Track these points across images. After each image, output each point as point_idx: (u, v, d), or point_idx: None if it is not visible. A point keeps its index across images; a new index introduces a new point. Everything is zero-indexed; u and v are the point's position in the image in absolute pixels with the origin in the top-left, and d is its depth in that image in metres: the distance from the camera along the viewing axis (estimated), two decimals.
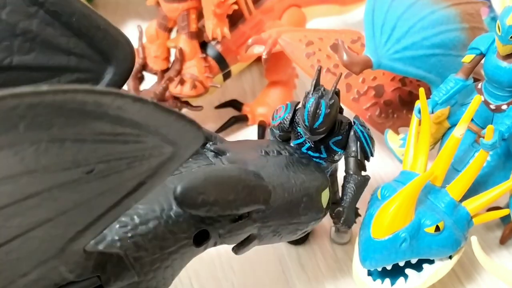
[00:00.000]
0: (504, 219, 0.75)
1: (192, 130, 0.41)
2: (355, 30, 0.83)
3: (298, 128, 0.65)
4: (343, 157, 0.67)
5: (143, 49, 0.87)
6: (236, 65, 0.89)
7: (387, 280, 0.65)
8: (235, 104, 0.93)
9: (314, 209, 0.63)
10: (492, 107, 0.68)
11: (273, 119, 0.67)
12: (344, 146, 0.65)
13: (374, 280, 0.65)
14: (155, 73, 0.87)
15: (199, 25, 0.86)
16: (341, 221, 0.64)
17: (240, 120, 0.91)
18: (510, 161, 0.70)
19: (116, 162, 0.39)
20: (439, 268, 0.66)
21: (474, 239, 0.64)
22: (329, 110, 0.60)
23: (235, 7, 0.84)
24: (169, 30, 0.88)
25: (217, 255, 0.75)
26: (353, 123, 0.66)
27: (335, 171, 0.69)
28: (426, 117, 0.67)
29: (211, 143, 0.62)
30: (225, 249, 0.75)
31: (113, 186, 0.41)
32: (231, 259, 0.75)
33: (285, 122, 0.65)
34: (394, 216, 0.62)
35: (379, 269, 0.65)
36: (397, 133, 0.79)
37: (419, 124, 0.69)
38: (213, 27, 0.82)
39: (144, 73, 0.87)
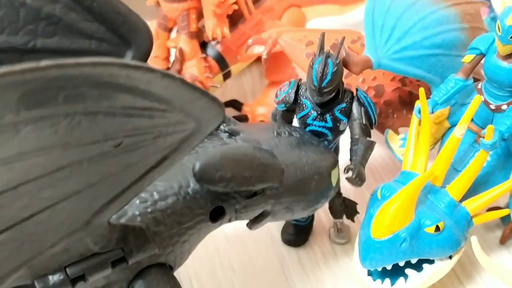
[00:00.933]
0: (504, 219, 0.75)
1: (214, 107, 0.42)
2: (355, 30, 0.83)
3: (303, 99, 0.67)
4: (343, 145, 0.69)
5: None
6: (236, 65, 0.89)
7: (387, 280, 0.65)
8: (235, 104, 0.93)
9: (324, 187, 0.65)
10: (492, 107, 0.68)
11: (276, 96, 0.69)
12: (348, 114, 0.68)
13: (374, 280, 0.65)
14: None
15: (199, 25, 0.86)
16: (354, 176, 0.64)
17: (240, 120, 0.91)
18: (510, 161, 0.70)
19: (143, 136, 0.41)
20: (439, 268, 0.66)
21: (474, 239, 0.64)
22: (336, 68, 0.63)
23: (235, 7, 0.84)
24: (169, 30, 0.88)
25: (217, 255, 0.75)
26: (356, 91, 0.68)
27: (337, 154, 0.71)
28: (426, 117, 0.67)
29: (224, 124, 0.64)
30: (225, 249, 0.76)
31: (138, 160, 0.43)
32: (231, 259, 0.75)
33: (289, 96, 0.68)
34: (394, 216, 0.62)
35: (379, 269, 0.65)
36: (397, 133, 0.79)
37: (419, 124, 0.69)
38: (213, 27, 0.82)
39: None
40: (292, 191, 0.62)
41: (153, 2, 0.86)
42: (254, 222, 0.62)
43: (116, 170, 0.43)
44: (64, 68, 0.33)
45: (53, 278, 0.50)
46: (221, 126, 0.63)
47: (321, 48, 0.64)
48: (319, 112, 0.67)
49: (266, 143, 0.62)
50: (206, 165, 0.54)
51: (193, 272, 0.74)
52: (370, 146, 0.67)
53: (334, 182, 0.66)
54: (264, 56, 0.81)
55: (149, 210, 0.56)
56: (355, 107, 0.67)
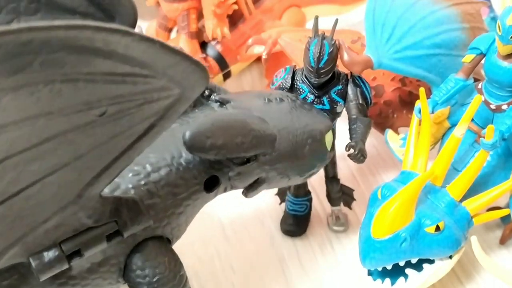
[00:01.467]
0: (504, 219, 0.75)
1: (197, 71, 0.42)
2: (355, 30, 0.83)
3: (300, 84, 0.68)
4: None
5: None
6: (236, 65, 0.89)
7: (387, 280, 0.65)
8: None
9: (318, 150, 0.65)
10: (492, 107, 0.68)
11: (273, 83, 0.70)
12: (344, 96, 0.69)
13: (374, 279, 0.65)
14: None
15: (199, 25, 0.86)
16: (356, 152, 0.65)
17: None
18: (511, 161, 0.70)
19: (127, 103, 0.41)
20: (439, 268, 0.66)
21: (474, 239, 0.64)
22: (332, 48, 0.65)
23: (235, 7, 0.84)
24: (169, 30, 0.88)
25: (217, 255, 0.75)
26: (350, 74, 0.69)
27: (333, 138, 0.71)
28: (426, 117, 0.67)
29: (215, 94, 0.63)
30: (225, 249, 0.76)
31: (125, 128, 0.43)
32: (231, 259, 0.75)
33: (286, 81, 0.69)
34: (395, 216, 0.62)
35: (379, 268, 0.65)
36: (397, 133, 0.79)
37: (419, 124, 0.69)
38: (213, 27, 0.82)
39: None
40: (285, 156, 0.62)
41: (153, 2, 0.86)
42: (249, 190, 0.62)
43: (103, 140, 0.43)
44: (36, 31, 0.33)
45: (48, 255, 0.49)
46: (212, 96, 0.63)
47: (316, 30, 0.65)
48: (316, 95, 0.68)
49: (257, 110, 0.62)
50: (196, 133, 0.54)
51: (193, 272, 0.74)
52: (369, 124, 0.68)
53: (328, 146, 0.66)
54: (264, 56, 0.81)
55: (142, 182, 0.55)
56: (350, 88, 0.69)
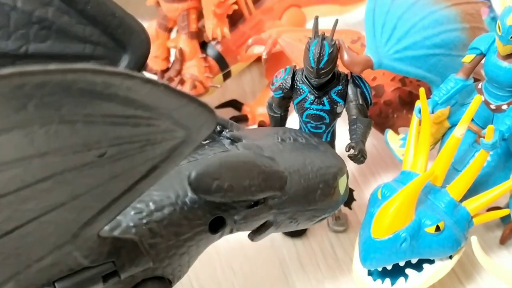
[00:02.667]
0: (504, 219, 0.75)
1: (204, 113, 0.40)
2: (355, 30, 0.83)
3: (300, 84, 0.68)
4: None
5: None
6: (236, 65, 0.89)
7: (387, 280, 0.65)
8: (235, 104, 0.93)
9: (331, 195, 0.63)
10: (493, 107, 0.68)
11: (272, 84, 0.70)
12: (344, 97, 0.68)
13: (374, 280, 0.65)
14: (155, 73, 0.87)
15: (199, 25, 0.86)
16: (356, 153, 0.64)
17: (240, 120, 0.91)
18: (511, 161, 0.70)
19: (128, 145, 0.40)
20: (439, 268, 0.66)
21: (474, 239, 0.64)
22: (332, 49, 0.64)
23: (235, 7, 0.84)
24: (169, 30, 0.88)
25: (217, 255, 0.75)
26: (350, 74, 0.69)
27: (333, 139, 0.72)
28: (426, 117, 0.67)
29: (227, 130, 0.62)
30: (225, 249, 0.76)
31: (125, 170, 0.42)
32: (231, 259, 0.75)
33: (286, 82, 0.69)
34: (395, 216, 0.62)
35: (379, 269, 0.65)
36: (397, 133, 0.79)
37: (419, 124, 0.69)
38: (213, 27, 0.82)
39: (144, 73, 0.87)
40: (296, 201, 0.60)
41: (153, 2, 0.86)
42: (256, 233, 0.60)
43: (103, 181, 0.41)
44: (28, 76, 0.32)
45: None
46: (223, 132, 0.62)
47: (316, 31, 0.65)
48: (316, 96, 0.68)
49: (269, 150, 0.60)
50: (202, 174, 0.52)
51: (193, 273, 0.73)
52: (369, 124, 0.68)
53: (342, 191, 0.64)
54: (264, 56, 0.81)
55: (145, 221, 0.53)
56: (350, 88, 0.68)
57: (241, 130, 0.63)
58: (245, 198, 0.55)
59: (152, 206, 0.54)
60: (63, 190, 0.40)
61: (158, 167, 0.43)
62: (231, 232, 0.58)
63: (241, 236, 0.77)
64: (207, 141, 0.61)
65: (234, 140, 0.61)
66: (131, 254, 0.51)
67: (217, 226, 0.57)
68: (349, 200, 0.77)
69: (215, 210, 0.56)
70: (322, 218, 0.64)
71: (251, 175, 0.55)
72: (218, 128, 0.62)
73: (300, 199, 0.60)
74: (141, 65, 0.57)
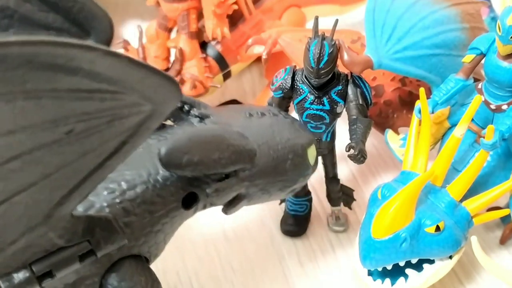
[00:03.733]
0: (504, 219, 0.75)
1: (168, 86, 0.40)
2: (355, 30, 0.83)
3: (300, 84, 0.68)
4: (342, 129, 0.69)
5: (143, 49, 0.87)
6: (236, 65, 0.89)
7: (387, 280, 0.65)
8: (235, 104, 0.93)
9: (300, 165, 0.63)
10: (493, 107, 0.68)
11: (272, 84, 0.70)
12: (344, 97, 0.69)
13: (375, 280, 0.65)
14: None
15: (199, 25, 0.86)
16: (356, 153, 0.64)
17: None
18: (510, 161, 0.70)
19: (95, 120, 0.39)
20: (439, 268, 0.66)
21: (474, 239, 0.64)
22: (332, 49, 0.64)
23: (235, 7, 0.84)
24: (169, 30, 0.88)
25: (217, 255, 0.75)
26: (350, 74, 0.69)
27: (333, 139, 0.72)
28: (426, 117, 0.67)
29: (195, 109, 0.62)
30: (225, 249, 0.76)
31: (94, 146, 0.41)
32: (231, 259, 0.75)
33: (286, 82, 0.69)
34: (395, 216, 0.62)
35: (380, 269, 0.65)
36: (397, 133, 0.79)
37: (419, 124, 0.69)
38: (213, 27, 0.82)
39: None
40: (266, 172, 0.60)
41: (153, 2, 0.86)
42: (229, 206, 0.60)
43: (72, 158, 0.41)
44: None
45: (18, 276, 0.48)
46: (191, 111, 0.62)
47: (316, 31, 0.65)
48: (316, 96, 0.68)
49: (237, 125, 0.60)
50: (172, 149, 0.52)
51: (193, 272, 0.74)
52: (369, 124, 0.68)
53: (311, 161, 0.65)
54: (264, 56, 0.81)
55: (118, 200, 0.54)
56: (350, 88, 0.68)
57: (209, 108, 0.64)
58: (216, 171, 0.56)
59: (124, 185, 0.54)
60: (32, 170, 0.40)
61: (127, 142, 0.43)
62: (204, 207, 0.59)
63: (242, 235, 0.77)
64: (176, 121, 0.62)
65: (202, 118, 0.61)
66: (105, 231, 0.51)
67: (190, 202, 0.57)
68: (349, 200, 0.77)
69: (187, 186, 0.57)
70: (293, 189, 0.65)
71: (221, 147, 0.55)
72: (187, 108, 0.62)
73: (271, 170, 0.61)
74: None
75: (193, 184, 0.57)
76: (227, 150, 0.55)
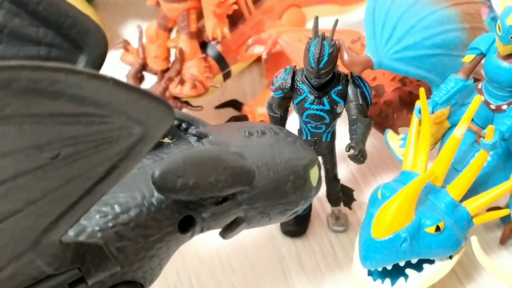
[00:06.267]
0: (504, 219, 0.75)
1: (160, 107, 0.39)
2: (355, 30, 0.83)
3: (300, 85, 0.68)
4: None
5: (143, 49, 0.87)
6: (236, 65, 0.89)
7: (387, 280, 0.65)
8: (235, 104, 0.93)
9: (302, 187, 0.61)
10: (493, 107, 0.68)
11: (273, 84, 0.70)
12: (344, 97, 0.69)
13: (375, 280, 0.65)
14: (155, 73, 0.87)
15: (199, 25, 0.85)
16: (356, 153, 0.64)
17: (240, 120, 0.91)
18: (511, 161, 0.70)
19: (83, 145, 0.38)
20: (439, 268, 0.66)
21: (474, 239, 0.64)
22: (332, 49, 0.64)
23: (235, 7, 0.84)
24: (169, 30, 0.88)
25: (217, 255, 0.75)
26: (350, 74, 0.69)
27: (333, 139, 0.72)
28: (426, 117, 0.67)
29: (193, 127, 0.60)
30: (225, 249, 0.76)
31: (82, 171, 0.40)
32: (231, 259, 0.75)
33: (286, 82, 0.69)
34: (395, 216, 0.62)
35: (380, 269, 0.65)
36: (397, 133, 0.79)
37: (419, 124, 0.69)
38: (213, 27, 0.82)
39: (144, 73, 0.87)
40: (266, 194, 0.58)
41: (153, 2, 0.86)
42: (227, 230, 0.58)
43: (59, 184, 0.39)
44: None
45: None
46: (189, 129, 0.60)
47: (316, 31, 0.65)
48: (316, 96, 0.68)
49: (236, 144, 0.58)
50: (165, 172, 0.50)
51: (193, 272, 0.74)
52: (369, 125, 0.68)
53: (314, 182, 0.62)
54: (264, 56, 0.81)
55: (110, 224, 0.51)
56: (350, 89, 0.68)
57: (207, 127, 0.62)
58: (212, 194, 0.54)
59: (117, 208, 0.52)
60: (17, 196, 0.38)
61: (117, 167, 0.41)
62: (201, 231, 0.57)
63: (242, 235, 0.77)
64: (173, 140, 0.61)
65: (200, 137, 0.59)
66: (96, 258, 0.50)
67: (186, 226, 0.56)
68: (349, 200, 0.77)
69: (183, 209, 0.55)
70: (294, 212, 0.63)
71: (217, 170, 0.53)
72: (184, 126, 0.60)
73: (271, 193, 0.59)
74: (99, 65, 0.55)
75: (189, 207, 0.55)
76: (224, 173, 0.53)
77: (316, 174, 0.63)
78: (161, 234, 0.54)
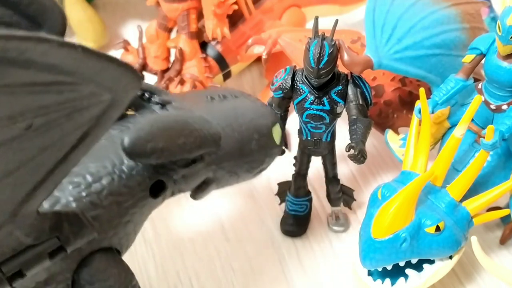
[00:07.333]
0: (504, 219, 0.75)
1: (127, 74, 0.39)
2: (355, 30, 0.83)
3: (300, 85, 0.68)
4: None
5: (143, 49, 0.87)
6: (236, 65, 0.89)
7: (388, 280, 0.65)
8: None
9: (266, 145, 0.63)
10: (493, 107, 0.68)
11: (273, 84, 0.70)
12: (344, 97, 0.69)
13: (375, 280, 0.65)
14: (155, 73, 0.87)
15: (199, 25, 0.86)
16: (356, 153, 0.64)
17: None
18: (510, 161, 0.70)
19: (54, 114, 0.38)
20: (440, 268, 0.66)
21: (474, 239, 0.64)
22: (332, 49, 0.64)
23: (235, 7, 0.84)
24: (169, 30, 0.88)
25: (217, 255, 0.75)
26: (350, 74, 0.69)
27: (333, 139, 0.72)
28: (426, 117, 0.67)
29: (156, 96, 0.61)
30: (225, 248, 0.76)
31: (55, 140, 0.40)
32: (231, 258, 0.75)
33: (286, 82, 0.69)
34: (395, 216, 0.62)
35: (380, 269, 0.65)
36: (397, 133, 0.79)
37: (419, 124, 0.69)
38: (213, 27, 0.82)
39: (144, 73, 0.87)
40: (232, 154, 0.60)
41: (153, 2, 0.86)
42: (197, 191, 0.60)
43: (34, 154, 0.40)
44: None
45: None
46: (152, 98, 0.61)
47: (316, 31, 0.65)
48: (316, 96, 0.68)
49: (199, 109, 0.60)
50: (135, 139, 0.51)
51: (193, 272, 0.74)
52: (369, 125, 0.68)
53: (277, 140, 0.65)
54: (264, 56, 0.81)
55: (84, 194, 0.53)
56: (350, 89, 0.68)
57: (170, 95, 0.63)
58: (182, 156, 0.55)
59: (89, 178, 0.53)
60: None
61: (89, 134, 0.42)
62: (172, 194, 0.59)
63: (242, 235, 0.77)
64: (137, 111, 0.61)
65: (164, 104, 0.60)
66: (73, 226, 0.51)
67: (158, 191, 0.57)
68: (349, 200, 0.77)
69: (153, 174, 0.56)
70: (261, 169, 0.65)
71: (185, 133, 0.55)
72: (147, 95, 0.61)
73: (237, 152, 0.61)
74: None
75: (159, 172, 0.56)
76: (191, 135, 0.55)
77: (279, 132, 0.65)
78: (134, 200, 0.55)
